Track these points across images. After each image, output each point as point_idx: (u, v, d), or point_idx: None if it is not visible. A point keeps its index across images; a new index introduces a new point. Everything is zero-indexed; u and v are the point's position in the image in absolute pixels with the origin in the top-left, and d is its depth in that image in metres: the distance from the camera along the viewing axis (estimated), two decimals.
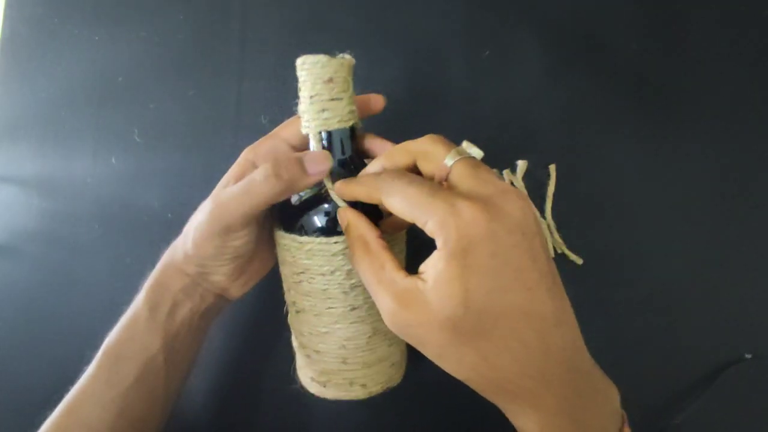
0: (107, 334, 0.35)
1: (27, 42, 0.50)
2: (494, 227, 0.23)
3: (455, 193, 0.25)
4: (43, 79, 0.49)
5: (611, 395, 0.28)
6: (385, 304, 0.26)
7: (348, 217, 0.29)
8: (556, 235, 0.44)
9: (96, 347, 0.35)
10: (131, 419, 0.33)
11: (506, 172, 0.44)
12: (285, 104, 0.46)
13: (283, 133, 0.35)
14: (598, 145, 0.45)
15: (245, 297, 0.45)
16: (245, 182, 0.31)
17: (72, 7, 0.49)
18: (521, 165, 0.45)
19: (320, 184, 0.32)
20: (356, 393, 0.35)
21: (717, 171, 0.45)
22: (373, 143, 0.35)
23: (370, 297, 0.32)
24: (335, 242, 0.32)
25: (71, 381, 0.35)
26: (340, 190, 0.31)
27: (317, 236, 0.32)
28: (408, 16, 0.47)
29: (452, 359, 0.25)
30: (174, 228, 0.36)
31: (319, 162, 0.31)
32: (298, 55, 0.47)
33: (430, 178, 0.28)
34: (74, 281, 0.47)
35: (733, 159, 0.45)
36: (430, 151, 0.28)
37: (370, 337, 0.34)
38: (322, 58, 0.30)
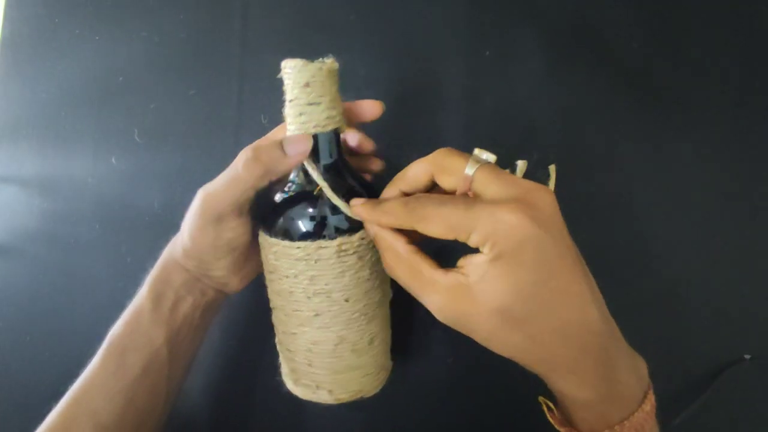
0: (107, 333, 0.35)
1: (27, 42, 0.50)
2: (535, 225, 0.25)
3: (489, 202, 0.26)
4: (43, 79, 0.49)
5: (639, 363, 0.30)
6: (432, 302, 0.28)
7: (374, 231, 0.30)
8: None
9: (96, 347, 0.35)
10: (137, 411, 0.34)
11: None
12: (285, 104, 0.46)
13: (280, 135, 0.35)
14: (599, 145, 0.45)
15: (242, 295, 0.45)
16: (228, 170, 0.32)
17: (72, 7, 0.49)
18: (521, 165, 0.45)
19: (303, 185, 0.33)
20: (323, 397, 0.35)
21: (718, 170, 0.45)
22: (354, 140, 0.36)
23: (334, 306, 0.33)
24: (297, 248, 0.32)
25: (72, 380, 0.35)
26: (364, 216, 0.31)
27: (281, 239, 0.32)
28: (408, 16, 0.47)
29: (500, 342, 0.27)
30: (174, 228, 0.36)
31: (297, 143, 0.31)
32: (298, 55, 0.47)
33: (453, 191, 0.29)
34: (74, 281, 0.47)
35: (734, 158, 0.45)
36: (447, 165, 0.29)
37: (336, 345, 0.34)
38: (299, 62, 0.31)
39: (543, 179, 0.45)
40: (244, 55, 0.47)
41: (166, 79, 0.48)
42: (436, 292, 0.27)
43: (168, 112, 0.48)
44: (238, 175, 0.31)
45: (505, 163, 0.46)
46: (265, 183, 0.32)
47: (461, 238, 0.26)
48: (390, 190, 0.31)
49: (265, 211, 0.34)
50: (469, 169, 0.28)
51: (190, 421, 0.45)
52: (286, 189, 0.33)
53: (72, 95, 0.49)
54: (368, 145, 0.37)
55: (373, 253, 0.34)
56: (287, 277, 0.33)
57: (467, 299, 0.26)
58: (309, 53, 0.47)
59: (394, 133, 0.46)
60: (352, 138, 0.36)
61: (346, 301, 0.33)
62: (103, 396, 0.33)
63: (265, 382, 0.45)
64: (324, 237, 0.32)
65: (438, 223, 0.27)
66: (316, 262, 0.32)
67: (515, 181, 0.28)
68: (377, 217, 0.30)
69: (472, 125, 0.46)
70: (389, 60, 0.47)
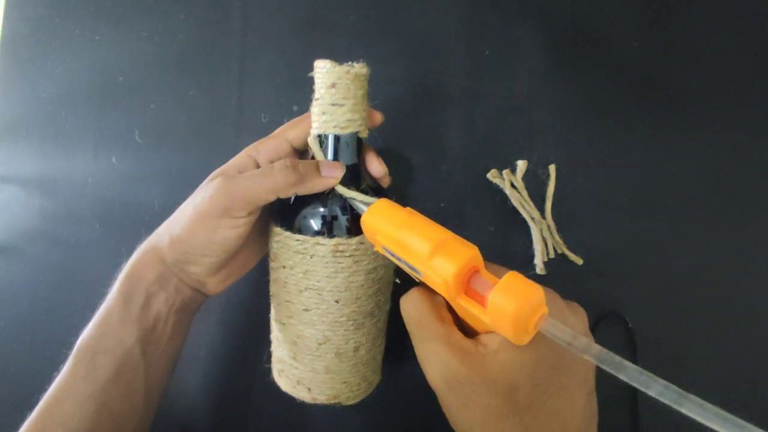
0: None
1: (27, 42, 0.50)
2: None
3: None
4: (43, 79, 0.49)
5: None
6: (435, 356, 0.26)
7: (410, 310, 0.28)
8: (556, 236, 0.44)
9: None
10: (111, 414, 0.33)
11: (506, 172, 0.44)
12: (285, 104, 0.46)
13: (287, 133, 0.36)
14: (599, 145, 0.45)
15: (242, 296, 0.45)
16: (263, 169, 0.32)
17: (73, 6, 0.49)
18: (521, 165, 0.45)
19: None
20: (302, 394, 0.36)
21: (718, 170, 0.45)
22: (370, 162, 0.36)
23: (323, 304, 0.33)
24: (296, 240, 0.33)
25: None
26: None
27: (285, 230, 0.33)
28: (408, 16, 0.47)
29: (494, 427, 0.25)
30: None
31: (333, 168, 0.32)
32: (298, 55, 0.48)
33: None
34: (74, 281, 0.47)
35: (734, 158, 0.45)
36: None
37: (320, 344, 0.34)
38: (328, 63, 0.32)
39: (543, 179, 0.45)
40: (244, 55, 0.47)
41: (166, 79, 0.48)
42: (446, 345, 0.25)
43: (168, 112, 0.48)
44: (273, 177, 0.31)
45: (505, 163, 0.46)
46: (290, 194, 0.32)
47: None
48: None
49: (279, 203, 0.34)
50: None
51: (190, 422, 0.45)
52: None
53: (72, 95, 0.49)
54: (386, 180, 0.37)
55: (369, 261, 0.34)
56: (284, 267, 0.34)
57: (476, 365, 0.24)
58: (309, 53, 0.47)
59: (394, 133, 0.46)
60: (376, 170, 0.36)
61: (336, 302, 0.33)
62: (73, 402, 0.32)
63: (264, 382, 0.45)
64: (323, 234, 0.32)
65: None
66: (311, 258, 0.33)
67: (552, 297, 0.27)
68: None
69: (472, 125, 0.46)
70: (389, 60, 0.46)
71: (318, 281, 0.33)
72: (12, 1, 0.50)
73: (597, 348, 0.22)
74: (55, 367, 0.34)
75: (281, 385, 0.37)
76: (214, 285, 0.36)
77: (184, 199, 0.36)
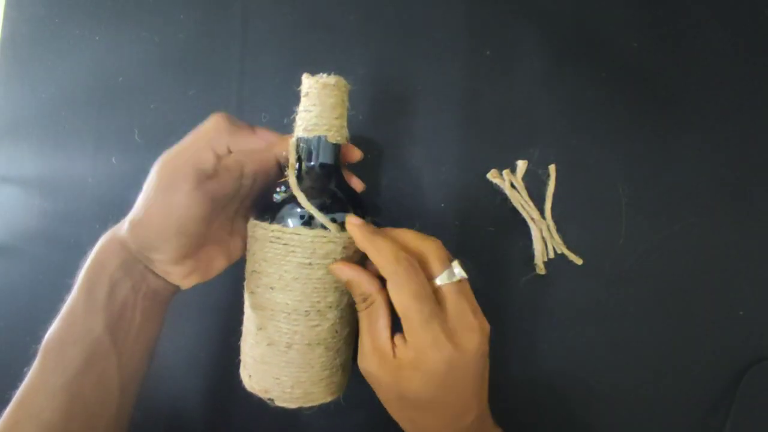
0: None
1: (27, 42, 0.50)
2: (456, 355, 0.32)
3: (440, 328, 0.32)
4: (43, 79, 0.49)
5: None
6: (365, 347, 0.34)
7: (348, 275, 0.34)
8: (556, 236, 0.44)
9: None
10: (84, 404, 0.33)
11: (506, 173, 0.44)
12: (285, 104, 0.46)
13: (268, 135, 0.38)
14: (599, 145, 0.45)
15: (242, 296, 0.45)
16: (194, 130, 0.35)
17: (73, 7, 0.49)
18: (521, 165, 0.45)
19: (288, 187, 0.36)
20: (245, 379, 0.38)
21: (718, 170, 0.45)
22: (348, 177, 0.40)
23: (261, 289, 0.35)
24: (251, 223, 0.36)
25: None
26: (355, 229, 0.34)
27: (260, 220, 0.36)
28: (409, 16, 0.47)
29: (392, 409, 0.35)
30: None
31: (267, 132, 0.37)
32: (298, 55, 0.48)
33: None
34: (74, 281, 0.47)
35: (734, 158, 0.45)
36: (428, 261, 0.34)
37: (258, 329, 0.36)
38: (305, 75, 0.36)
39: (543, 179, 0.45)
40: (244, 55, 0.47)
41: (166, 79, 0.48)
42: (373, 341, 0.33)
43: (168, 112, 0.48)
44: (200, 129, 0.34)
45: (505, 163, 0.46)
46: (223, 151, 0.35)
47: (409, 317, 0.32)
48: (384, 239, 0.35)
49: (260, 198, 0.38)
50: (439, 281, 0.33)
51: (190, 422, 0.45)
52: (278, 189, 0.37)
53: (72, 95, 0.49)
54: (355, 155, 0.40)
55: (305, 255, 0.35)
56: (254, 254, 0.36)
57: (388, 369, 0.33)
58: (309, 53, 0.47)
59: (394, 133, 0.46)
60: (350, 153, 0.39)
61: (271, 288, 0.35)
62: (44, 394, 0.32)
63: None
64: (267, 219, 0.35)
65: (406, 291, 0.32)
66: (255, 241, 0.36)
67: (468, 312, 0.33)
68: (364, 234, 0.34)
69: (472, 125, 0.46)
70: (389, 60, 0.47)
71: (258, 264, 0.36)
72: (12, 1, 0.50)
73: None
74: (34, 359, 0.34)
75: (240, 371, 0.39)
76: (180, 277, 0.35)
77: None
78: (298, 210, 0.35)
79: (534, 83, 0.46)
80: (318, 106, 0.35)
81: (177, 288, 0.37)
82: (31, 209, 0.48)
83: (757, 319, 0.45)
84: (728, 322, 0.45)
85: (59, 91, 0.49)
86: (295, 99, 0.37)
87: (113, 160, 0.48)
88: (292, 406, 0.37)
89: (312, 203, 0.34)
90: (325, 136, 0.36)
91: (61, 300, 0.35)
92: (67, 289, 0.45)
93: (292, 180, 0.35)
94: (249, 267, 0.37)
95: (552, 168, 0.45)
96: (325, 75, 0.35)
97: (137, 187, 0.47)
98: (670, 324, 0.45)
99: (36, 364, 0.33)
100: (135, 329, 0.35)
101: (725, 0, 0.46)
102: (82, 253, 0.47)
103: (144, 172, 0.47)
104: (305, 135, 0.36)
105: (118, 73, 0.48)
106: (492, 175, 0.44)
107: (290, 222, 0.35)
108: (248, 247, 0.37)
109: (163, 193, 0.33)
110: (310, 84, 0.35)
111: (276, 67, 0.47)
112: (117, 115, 0.48)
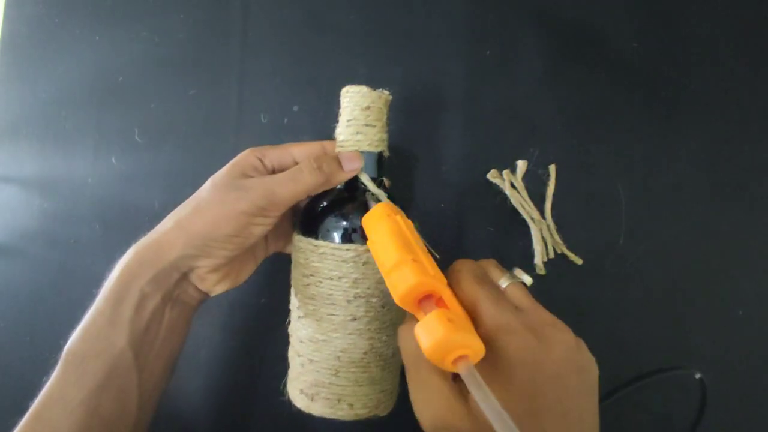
0: None
1: (27, 42, 0.50)
2: (541, 348, 0.27)
3: (513, 315, 0.28)
4: (43, 79, 0.49)
5: None
6: (431, 401, 0.28)
7: (410, 345, 0.29)
8: (556, 236, 0.44)
9: None
10: (102, 420, 0.32)
11: (506, 173, 0.44)
12: (285, 104, 0.46)
13: (292, 148, 0.37)
14: (599, 145, 0.45)
15: (243, 297, 0.45)
16: (292, 172, 0.34)
17: (72, 7, 0.49)
18: (521, 165, 0.45)
19: (336, 192, 0.36)
20: (343, 412, 0.35)
21: (718, 169, 0.45)
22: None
23: (371, 311, 0.34)
24: (347, 249, 0.34)
25: None
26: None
27: (329, 242, 0.34)
28: (408, 16, 0.47)
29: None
30: None
31: (352, 160, 0.35)
32: (298, 55, 0.48)
33: None
34: (74, 281, 0.47)
35: (734, 157, 0.45)
36: (488, 271, 0.32)
37: (365, 353, 0.35)
38: (363, 88, 0.35)
39: (543, 179, 0.45)
40: (244, 55, 0.47)
41: (166, 79, 0.48)
42: (438, 392, 0.27)
43: (168, 112, 0.48)
44: (300, 178, 0.34)
45: (505, 163, 0.46)
46: (320, 190, 0.35)
47: (477, 300, 0.29)
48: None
49: (309, 219, 0.36)
50: (504, 282, 0.31)
51: (190, 423, 0.45)
52: (327, 198, 0.36)
53: (72, 95, 0.49)
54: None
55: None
56: (330, 279, 0.34)
57: (461, 418, 0.26)
58: (309, 53, 0.47)
59: (394, 133, 0.46)
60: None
61: (383, 307, 0.34)
62: (63, 408, 0.32)
63: (265, 383, 0.45)
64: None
65: (470, 278, 0.29)
66: (363, 265, 0.34)
67: (545, 311, 0.30)
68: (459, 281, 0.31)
69: (472, 125, 0.46)
70: (389, 60, 0.47)
71: (368, 288, 0.34)
72: (12, 1, 0.50)
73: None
74: (54, 368, 0.33)
75: (315, 410, 0.36)
76: (213, 283, 0.36)
77: (184, 199, 0.36)
78: (344, 223, 0.35)
79: (534, 83, 0.46)
80: (380, 121, 0.36)
81: (205, 296, 0.37)
82: (31, 209, 0.48)
83: (757, 319, 0.45)
84: (728, 322, 0.45)
85: (59, 91, 0.49)
86: (295, 98, 0.37)
87: (113, 160, 0.48)
88: (388, 411, 0.37)
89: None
90: (383, 151, 0.36)
91: (61, 300, 0.35)
92: (68, 289, 0.45)
93: (372, 187, 0.35)
94: (341, 298, 0.35)
95: (552, 168, 0.45)
96: (383, 90, 0.36)
97: (137, 187, 0.47)
98: (670, 324, 0.45)
99: (55, 375, 0.33)
100: (158, 344, 0.34)
101: (725, 0, 0.46)
102: (82, 253, 0.47)
103: (144, 172, 0.48)
104: (370, 150, 0.36)
105: (118, 73, 0.48)
106: (492, 175, 0.44)
107: (335, 236, 0.35)
108: (333, 278, 0.35)
109: (250, 216, 0.33)
110: (373, 98, 0.35)
111: (276, 67, 0.47)
112: (117, 115, 0.48)
